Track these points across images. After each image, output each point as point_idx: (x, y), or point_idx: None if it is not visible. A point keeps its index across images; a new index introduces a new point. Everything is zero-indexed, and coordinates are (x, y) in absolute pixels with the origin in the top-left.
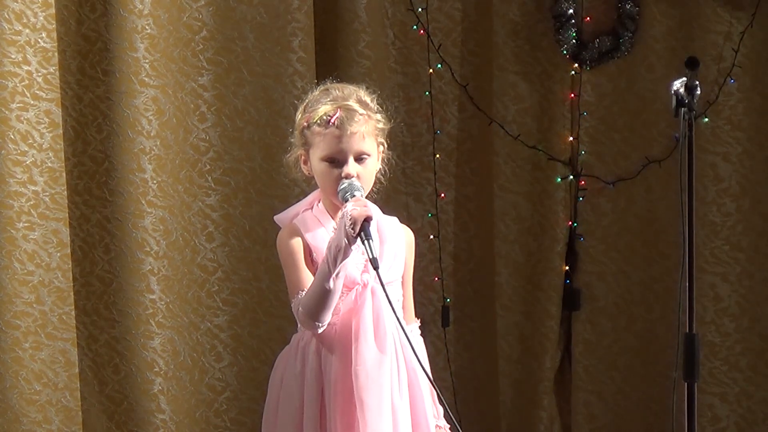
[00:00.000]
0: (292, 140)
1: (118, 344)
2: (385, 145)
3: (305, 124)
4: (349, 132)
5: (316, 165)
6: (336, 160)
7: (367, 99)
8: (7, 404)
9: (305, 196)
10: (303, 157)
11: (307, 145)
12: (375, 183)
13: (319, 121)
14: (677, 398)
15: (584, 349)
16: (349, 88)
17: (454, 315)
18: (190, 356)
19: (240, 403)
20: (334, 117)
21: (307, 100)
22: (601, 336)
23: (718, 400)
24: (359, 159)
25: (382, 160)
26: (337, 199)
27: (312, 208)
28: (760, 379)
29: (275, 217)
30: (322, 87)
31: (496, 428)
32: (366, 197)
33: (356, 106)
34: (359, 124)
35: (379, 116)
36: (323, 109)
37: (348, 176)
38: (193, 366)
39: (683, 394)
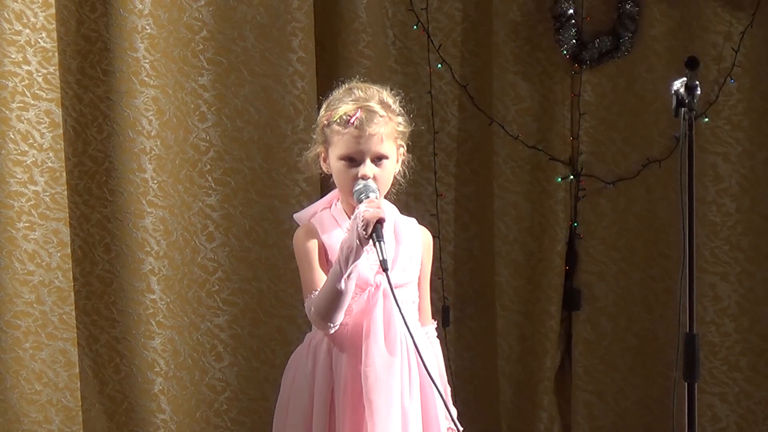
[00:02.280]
0: (314, 136)
1: (118, 344)
2: (405, 148)
3: (326, 121)
4: (367, 133)
5: (334, 163)
6: (353, 160)
7: (390, 100)
8: (8, 404)
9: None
10: (323, 155)
11: (326, 142)
12: (394, 184)
13: (339, 120)
14: (677, 398)
15: (584, 349)
16: (373, 89)
17: (454, 315)
18: (190, 356)
19: (240, 403)
20: (354, 117)
21: (330, 98)
22: (601, 336)
23: (718, 400)
24: (377, 160)
25: (402, 162)
26: (353, 199)
27: (330, 207)
28: (760, 379)
29: (294, 215)
30: (346, 85)
31: (496, 428)
32: (384, 198)
33: (377, 108)
34: (379, 126)
35: (400, 119)
36: (344, 108)
37: (364, 177)
38: (193, 366)
39: (683, 394)
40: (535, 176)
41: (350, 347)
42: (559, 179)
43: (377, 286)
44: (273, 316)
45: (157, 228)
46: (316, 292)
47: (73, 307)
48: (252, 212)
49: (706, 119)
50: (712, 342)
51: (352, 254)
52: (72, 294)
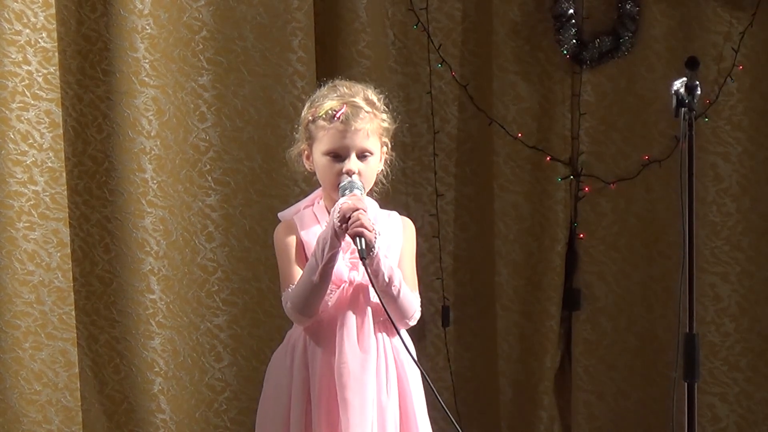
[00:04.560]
0: (297, 135)
1: (118, 344)
2: (389, 146)
3: (310, 118)
4: (353, 128)
5: (318, 159)
6: (338, 156)
7: (374, 98)
8: (7, 404)
9: (305, 196)
10: (306, 152)
11: (311, 139)
12: (376, 184)
13: (324, 116)
14: (677, 398)
15: (584, 349)
16: (357, 86)
17: (454, 315)
18: (190, 356)
19: (240, 402)
20: (340, 112)
21: (314, 96)
22: (601, 336)
23: (718, 400)
24: (361, 156)
25: (385, 161)
26: (336, 195)
27: (313, 205)
28: (760, 379)
29: (279, 214)
30: (330, 83)
31: (496, 428)
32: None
33: (362, 104)
34: (364, 122)
35: (384, 116)
36: (329, 104)
37: (349, 172)
38: (193, 366)
39: (683, 394)
40: (535, 176)
41: (325, 344)
42: (559, 179)
43: (351, 282)
44: (273, 316)
45: (156, 228)
46: (293, 286)
47: (73, 307)
48: (252, 212)
49: (706, 119)
50: (712, 342)
51: (327, 246)
52: (72, 294)
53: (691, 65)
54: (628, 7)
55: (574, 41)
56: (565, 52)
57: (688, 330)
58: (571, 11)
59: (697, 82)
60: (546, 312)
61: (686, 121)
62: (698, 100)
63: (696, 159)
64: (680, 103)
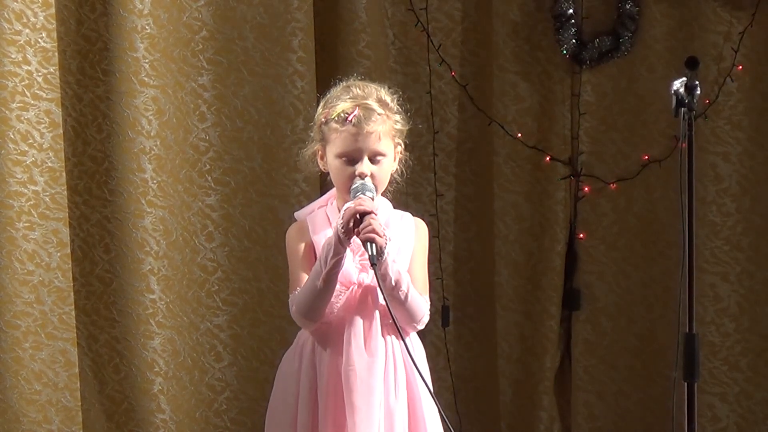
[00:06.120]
0: (311, 134)
1: (118, 344)
2: (403, 146)
3: (323, 119)
4: (365, 131)
5: (331, 161)
6: (351, 158)
7: (387, 99)
8: (7, 404)
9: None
10: (320, 153)
11: (324, 140)
12: (391, 183)
13: (336, 118)
14: (677, 398)
15: (584, 349)
16: (370, 87)
17: (454, 315)
18: (190, 356)
19: (240, 403)
20: (352, 115)
21: (327, 96)
22: (601, 336)
23: (718, 400)
24: (374, 159)
25: (399, 161)
26: (349, 197)
27: (327, 205)
28: (760, 379)
29: (295, 214)
30: (344, 83)
31: (496, 428)
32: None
33: (375, 106)
34: (376, 124)
35: (398, 117)
36: (342, 106)
37: (362, 175)
38: (193, 366)
39: (683, 394)
40: (535, 176)
41: (332, 346)
42: (559, 179)
43: (360, 285)
44: (273, 316)
45: (156, 228)
46: (299, 290)
47: (73, 307)
48: (252, 212)
49: (706, 119)
50: (712, 342)
51: (331, 250)
52: (72, 294)
53: (691, 65)
54: (628, 7)
55: (574, 41)
56: (564, 52)
57: (688, 330)
58: (571, 11)
59: (697, 82)
60: (546, 312)
61: (686, 121)
62: (698, 100)
63: (696, 159)
64: (680, 103)
